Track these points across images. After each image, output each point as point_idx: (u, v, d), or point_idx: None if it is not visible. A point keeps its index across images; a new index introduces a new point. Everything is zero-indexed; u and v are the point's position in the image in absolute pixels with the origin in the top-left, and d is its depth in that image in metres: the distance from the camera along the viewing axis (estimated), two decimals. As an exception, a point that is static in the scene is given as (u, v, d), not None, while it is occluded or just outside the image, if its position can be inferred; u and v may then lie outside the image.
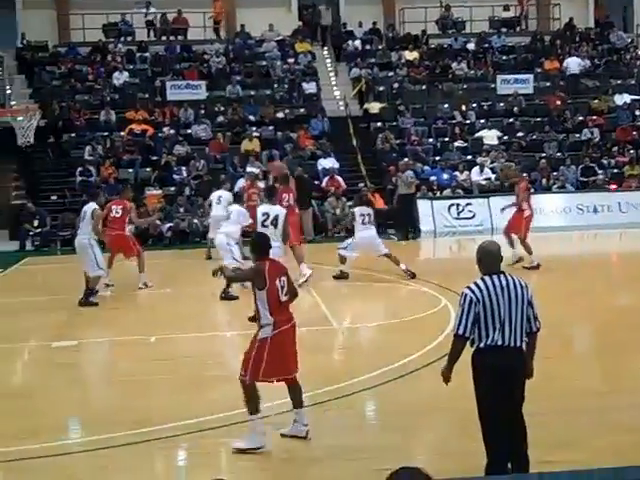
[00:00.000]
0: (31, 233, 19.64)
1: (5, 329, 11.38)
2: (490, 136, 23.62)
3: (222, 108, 24.70)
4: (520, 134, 24.16)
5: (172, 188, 21.31)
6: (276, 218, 10.83)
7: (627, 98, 25.39)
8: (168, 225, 19.52)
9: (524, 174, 19.35)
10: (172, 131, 23.58)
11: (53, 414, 7.76)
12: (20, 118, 20.08)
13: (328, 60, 28.36)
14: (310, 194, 19.82)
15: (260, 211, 11.02)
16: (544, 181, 21.95)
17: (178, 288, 13.61)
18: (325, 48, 28.78)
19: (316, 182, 21.57)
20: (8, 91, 24.19)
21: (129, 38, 28.43)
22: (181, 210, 19.95)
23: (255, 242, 7.11)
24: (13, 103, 23.69)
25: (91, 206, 12.72)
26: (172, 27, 28.68)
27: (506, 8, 29.99)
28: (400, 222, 19.70)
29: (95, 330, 11.09)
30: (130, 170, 22.07)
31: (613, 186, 21.74)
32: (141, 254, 13.84)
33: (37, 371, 9.53)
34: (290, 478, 6.10)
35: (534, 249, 14.57)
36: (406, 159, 21.51)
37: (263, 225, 10.78)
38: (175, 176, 21.72)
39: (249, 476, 5.94)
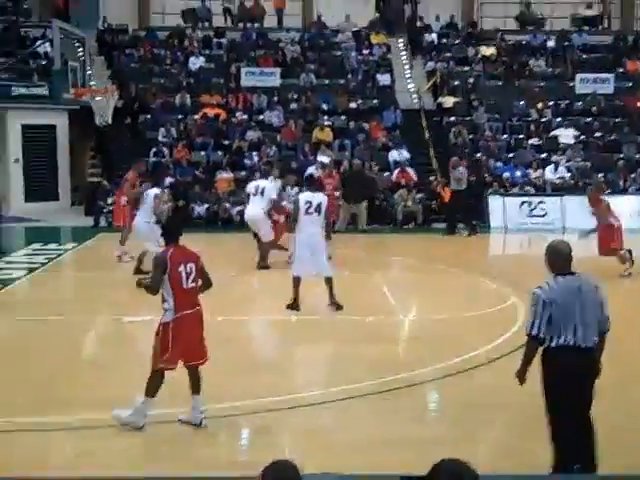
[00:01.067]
0: (105, 210, 20.02)
1: (79, 302, 11.65)
2: (566, 135, 23.16)
3: (295, 96, 24.79)
4: (598, 134, 23.64)
5: (243, 172, 21.51)
6: (319, 205, 10.92)
7: None
8: (237, 209, 19.68)
9: (599, 175, 18.90)
10: (245, 116, 23.75)
11: (125, 386, 7.89)
12: (98, 98, 20.54)
13: (403, 53, 28.17)
14: (367, 188, 19.83)
15: (303, 199, 11.07)
16: (621, 182, 21.46)
17: (245, 270, 13.69)
18: (400, 41, 28.60)
19: (386, 173, 21.51)
20: (88, 72, 24.72)
21: (206, 24, 28.75)
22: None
23: (164, 228, 7.34)
24: (92, 83, 24.22)
25: (153, 191, 12.76)
26: (249, 14, 28.87)
27: (589, 6, 29.31)
28: (449, 218, 19.34)
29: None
30: (202, 153, 22.34)
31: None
32: (126, 227, 14.19)
33: (110, 344, 9.70)
34: (343, 463, 6.09)
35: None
36: (479, 154, 21.25)
37: (307, 212, 10.89)
38: (246, 161, 21.89)
39: (311, 459, 5.94)
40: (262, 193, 13.95)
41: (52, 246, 16.64)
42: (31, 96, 21.55)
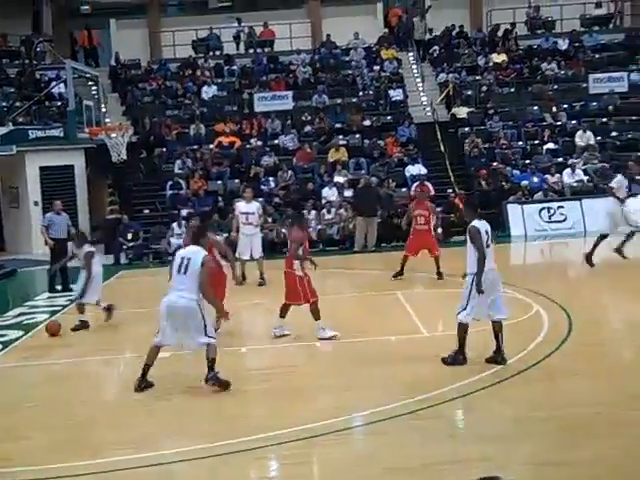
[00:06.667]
0: (125, 247, 20.12)
1: (103, 341, 11.69)
2: (585, 137, 22.96)
3: (309, 118, 24.87)
4: (614, 134, 23.46)
5: (260, 199, 21.48)
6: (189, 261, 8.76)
7: None
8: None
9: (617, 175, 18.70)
10: (259, 142, 23.85)
11: (152, 424, 7.88)
12: (114, 135, 20.70)
13: (414, 66, 28.22)
14: (377, 203, 19.86)
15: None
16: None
17: (268, 299, 13.67)
18: (411, 54, 28.66)
19: (404, 189, 21.49)
20: (103, 109, 24.97)
21: (217, 52, 28.99)
22: (269, 220, 20.11)
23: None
24: (108, 120, 24.45)
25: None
26: (259, 40, 29.09)
27: (598, 5, 29.26)
28: None
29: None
30: (219, 182, 22.41)
31: None
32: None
33: (134, 382, 9.69)
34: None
35: (628, 251, 14.09)
36: (495, 163, 21.19)
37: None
38: (263, 187, 21.92)
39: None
40: None
41: (74, 287, 16.69)
42: (47, 138, 21.78)
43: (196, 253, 8.69)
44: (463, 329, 9.11)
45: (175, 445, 7.24)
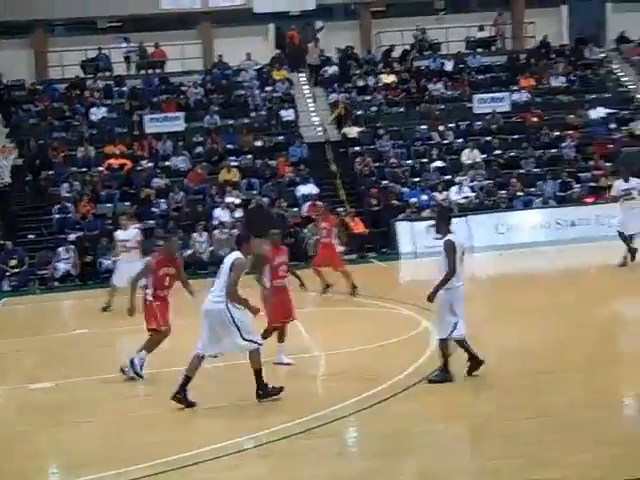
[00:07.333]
0: (8, 273, 19.44)
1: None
2: (472, 155, 23.64)
3: (201, 139, 24.74)
4: (498, 152, 24.29)
5: (151, 221, 21.16)
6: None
7: (602, 112, 25.58)
8: (147, 259, 19.37)
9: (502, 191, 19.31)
10: (151, 164, 23.55)
11: (38, 457, 7.61)
12: (-4, 158, 20.05)
13: (306, 87, 28.50)
14: (268, 223, 19.90)
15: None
16: (521, 196, 22.11)
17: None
18: (302, 75, 28.93)
19: (295, 209, 21.62)
20: (-15, 131, 24.19)
21: (107, 73, 28.51)
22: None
23: None
24: (-10, 143, 23.67)
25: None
26: (150, 60, 28.80)
27: (481, 28, 30.30)
28: None
29: (72, 370, 10.92)
30: (109, 205, 21.98)
31: (590, 199, 21.78)
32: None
33: (17, 414, 9.33)
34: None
35: (513, 266, 14.53)
36: (386, 181, 21.58)
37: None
38: (154, 209, 21.61)
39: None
40: None
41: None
42: None
43: (230, 257, 8.72)
44: (460, 345, 9.00)
45: (87, 472, 7.03)
